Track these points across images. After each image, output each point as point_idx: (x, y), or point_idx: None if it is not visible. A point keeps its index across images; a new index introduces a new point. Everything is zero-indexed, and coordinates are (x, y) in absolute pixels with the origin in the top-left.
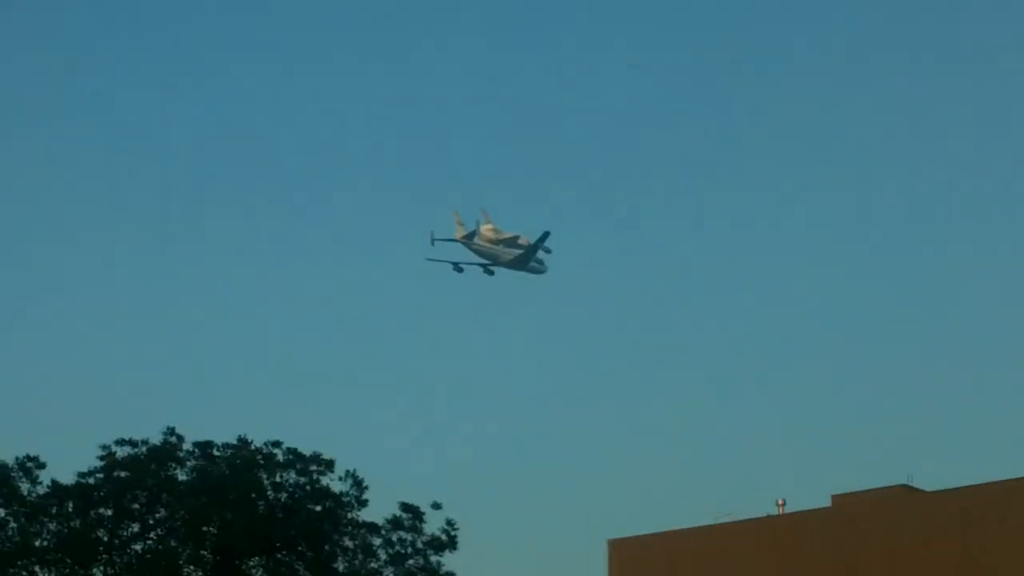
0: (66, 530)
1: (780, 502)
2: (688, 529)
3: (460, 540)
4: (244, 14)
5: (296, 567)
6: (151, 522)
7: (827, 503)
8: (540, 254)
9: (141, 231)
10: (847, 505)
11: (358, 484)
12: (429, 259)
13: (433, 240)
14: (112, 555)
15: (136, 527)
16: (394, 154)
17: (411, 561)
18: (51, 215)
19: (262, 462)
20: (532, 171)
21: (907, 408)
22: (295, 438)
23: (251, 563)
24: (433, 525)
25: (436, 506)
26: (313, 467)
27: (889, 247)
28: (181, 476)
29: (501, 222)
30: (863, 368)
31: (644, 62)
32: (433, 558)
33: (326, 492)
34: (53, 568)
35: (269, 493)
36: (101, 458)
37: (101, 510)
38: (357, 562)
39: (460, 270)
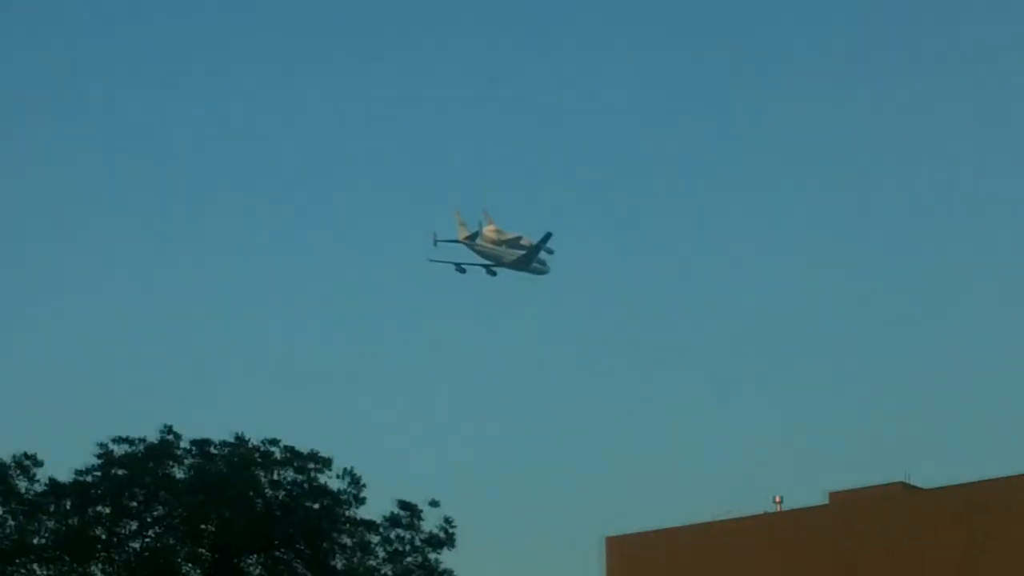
0: (64, 528)
1: (777, 499)
2: (686, 526)
3: (458, 538)
4: (244, 14)
5: (294, 565)
6: (149, 520)
7: (825, 500)
8: (542, 255)
9: (140, 230)
10: (845, 502)
11: (356, 482)
12: (431, 260)
13: (436, 241)
14: (110, 553)
15: (134, 525)
16: (395, 154)
17: (409, 559)
18: (49, 214)
19: (260, 460)
20: (533, 172)
21: (905, 406)
22: (296, 438)
23: (249, 561)
24: (432, 523)
25: (434, 504)
26: (311, 465)
27: (887, 247)
28: (179, 474)
29: (503, 223)
30: (860, 366)
31: (644, 62)
32: (431, 556)
33: (324, 490)
34: (51, 566)
35: (267, 491)
36: (99, 456)
37: (99, 508)
38: (355, 560)
39: (463, 271)
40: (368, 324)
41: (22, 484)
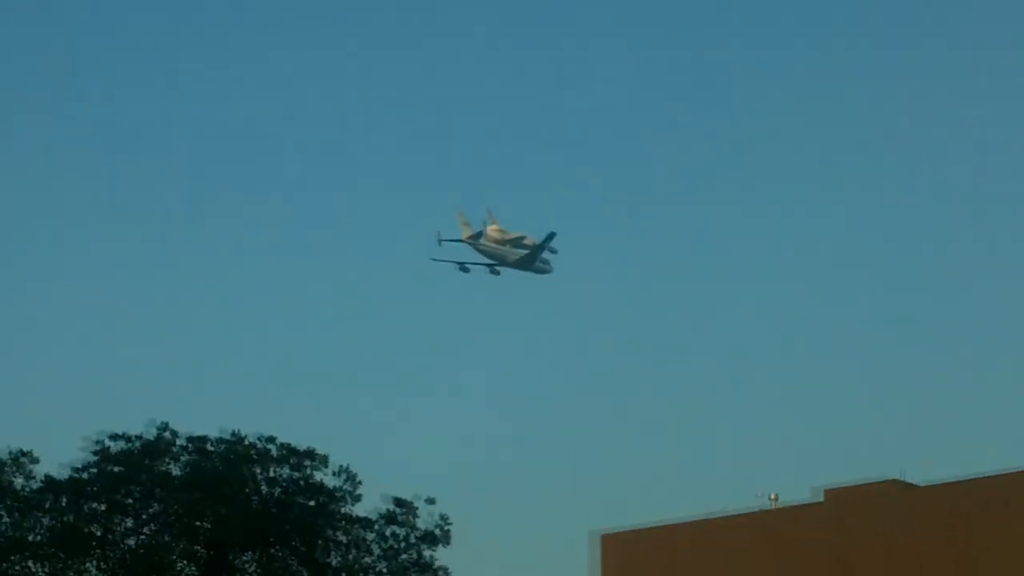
0: (59, 525)
1: (773, 496)
2: (680, 523)
3: (455, 535)
4: (244, 14)
5: (289, 562)
6: (144, 517)
7: (820, 498)
8: (545, 254)
9: (139, 228)
10: (840, 499)
11: (351, 479)
12: (434, 259)
13: (440, 241)
14: (105, 550)
15: (129, 522)
16: (396, 154)
17: (404, 556)
18: (47, 212)
19: (255, 457)
20: (537, 171)
21: (900, 403)
22: (295, 436)
23: (244, 558)
24: (428, 521)
25: (430, 501)
26: (306, 462)
27: (884, 246)
28: (174, 471)
29: (506, 222)
30: (855, 363)
31: (644, 62)
32: (426, 552)
33: (319, 487)
34: (46, 563)
35: (262, 488)
36: (95, 453)
37: (94, 505)
38: (350, 557)
39: (466, 270)
40: (370, 323)
41: (18, 481)
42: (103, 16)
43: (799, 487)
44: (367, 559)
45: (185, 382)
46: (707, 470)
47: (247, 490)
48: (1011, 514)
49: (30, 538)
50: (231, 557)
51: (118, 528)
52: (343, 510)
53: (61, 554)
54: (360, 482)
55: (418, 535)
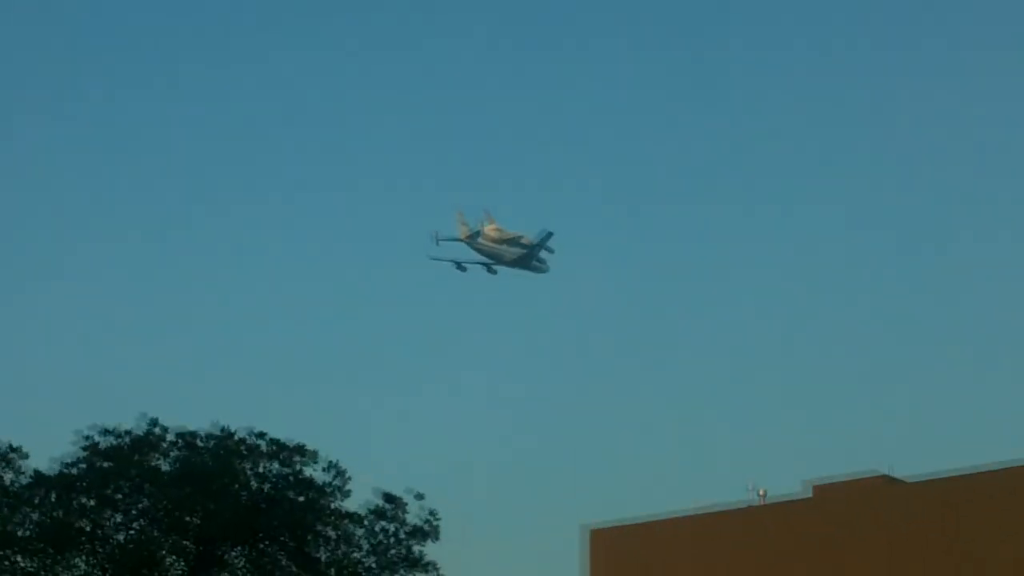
0: (48, 520)
1: (761, 491)
2: (668, 518)
3: (454, 532)
4: (244, 14)
5: (278, 557)
6: (133, 512)
7: (807, 493)
8: (542, 253)
9: (138, 228)
10: (827, 494)
11: (340, 474)
12: (432, 258)
13: (437, 240)
14: (94, 545)
15: (118, 517)
16: (396, 154)
17: (393, 551)
18: (46, 210)
19: (245, 452)
20: (534, 171)
21: (887, 399)
22: (296, 436)
23: (233, 553)
24: (419, 517)
25: (419, 496)
26: (296, 458)
27: (885, 246)
28: (164, 466)
29: (507, 222)
30: (842, 359)
31: (644, 62)
32: (415, 548)
33: (308, 482)
34: (35, 558)
35: (252, 483)
36: (84, 448)
37: (83, 500)
38: (339, 552)
39: (463, 269)
40: (369, 322)
41: (7, 476)
42: (103, 16)
43: (786, 482)
44: (356, 554)
45: (184, 381)
46: (705, 468)
47: (236, 485)
48: (998, 509)
49: (19, 533)
50: (220, 552)
51: (107, 523)
52: (332, 505)
53: (50, 549)
54: (349, 477)
55: (407, 530)
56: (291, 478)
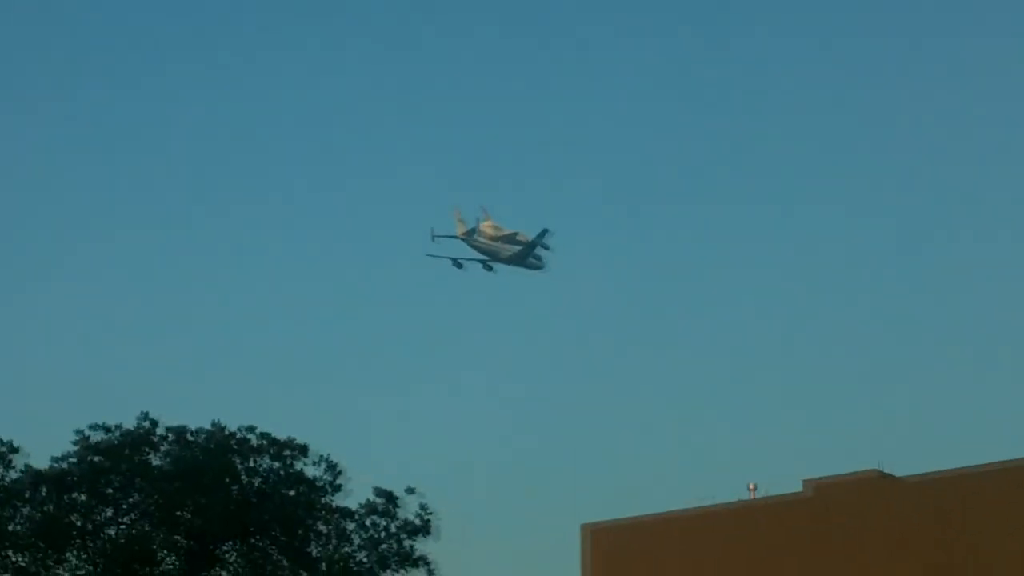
0: (40, 515)
1: (752, 487)
2: (663, 515)
3: (452, 530)
4: (244, 14)
5: (270, 552)
6: (125, 507)
7: (801, 488)
8: (539, 250)
9: (138, 228)
10: (821, 490)
11: (332, 469)
12: (429, 255)
13: (434, 237)
14: (86, 540)
15: (110, 512)
16: (396, 153)
17: (384, 546)
18: (46, 210)
19: (236, 447)
20: (532, 169)
21: (881, 395)
22: (296, 435)
23: (225, 548)
24: (413, 512)
25: (410, 491)
26: (287, 452)
27: (885, 245)
28: (155, 461)
29: (501, 219)
30: (837, 356)
31: (644, 62)
32: (407, 543)
33: (300, 477)
34: (27, 553)
35: (243, 478)
36: (76, 443)
37: (75, 495)
38: (331, 547)
39: (460, 266)
40: (369, 321)
41: None
42: (103, 16)
43: (780, 478)
44: (348, 549)
45: (184, 381)
46: (704, 466)
47: (228, 480)
48: (989, 506)
49: (10, 528)
50: (212, 547)
51: (99, 518)
52: (324, 500)
53: (41, 544)
54: (341, 472)
55: (399, 525)
56: (283, 473)
